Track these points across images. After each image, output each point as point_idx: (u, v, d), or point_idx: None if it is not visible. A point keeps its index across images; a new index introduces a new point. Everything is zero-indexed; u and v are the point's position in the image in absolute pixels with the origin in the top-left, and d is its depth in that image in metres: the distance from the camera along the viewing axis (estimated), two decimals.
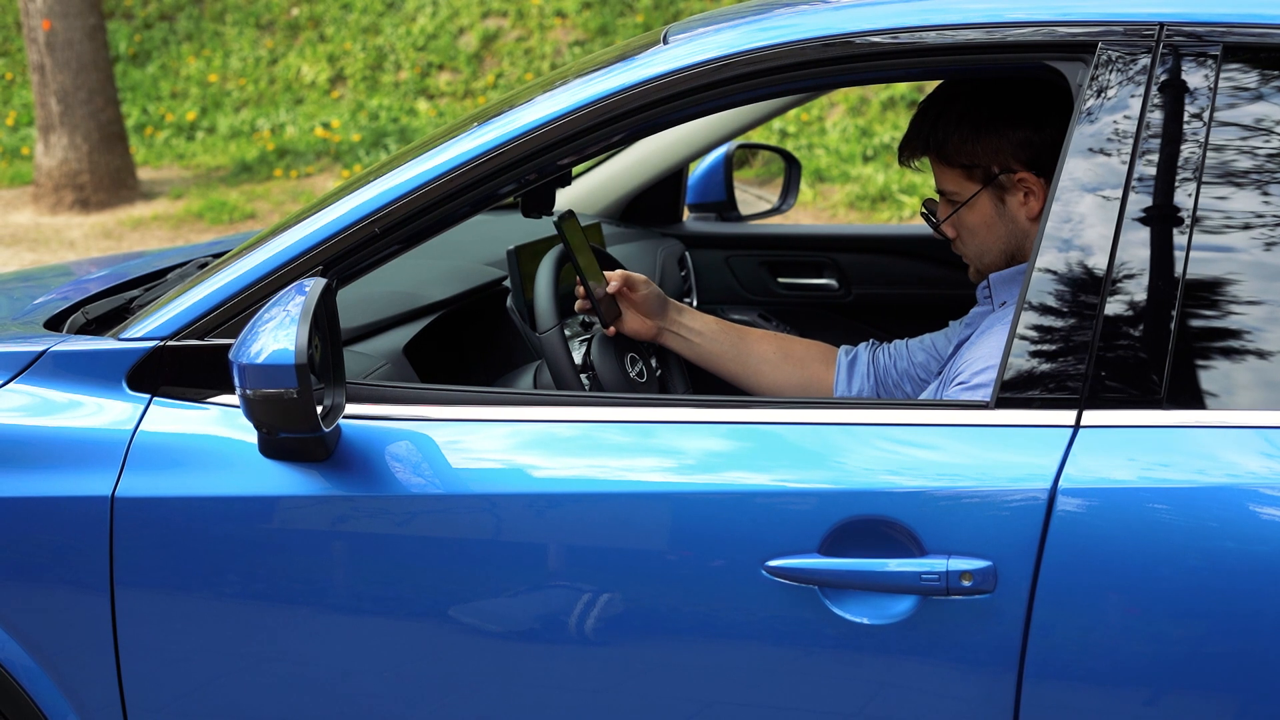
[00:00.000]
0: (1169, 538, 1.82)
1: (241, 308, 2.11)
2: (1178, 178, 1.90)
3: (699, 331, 2.61)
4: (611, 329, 2.54)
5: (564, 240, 2.49)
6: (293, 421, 1.91)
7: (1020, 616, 1.85)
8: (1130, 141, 1.92)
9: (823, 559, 1.89)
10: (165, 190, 10.74)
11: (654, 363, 2.64)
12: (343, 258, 2.10)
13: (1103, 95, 1.95)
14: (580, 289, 2.53)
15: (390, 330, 2.73)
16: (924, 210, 2.46)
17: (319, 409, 1.93)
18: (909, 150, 2.42)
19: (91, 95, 10.39)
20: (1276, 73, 1.92)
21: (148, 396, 2.12)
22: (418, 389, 2.14)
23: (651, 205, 3.92)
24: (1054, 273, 1.92)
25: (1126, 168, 1.92)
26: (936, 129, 2.37)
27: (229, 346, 2.03)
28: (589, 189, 3.88)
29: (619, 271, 2.58)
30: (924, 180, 9.18)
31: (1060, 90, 2.31)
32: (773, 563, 1.90)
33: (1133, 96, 1.93)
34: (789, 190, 4.21)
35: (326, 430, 1.94)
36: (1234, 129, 1.91)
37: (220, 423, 2.09)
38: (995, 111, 2.32)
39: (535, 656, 2.01)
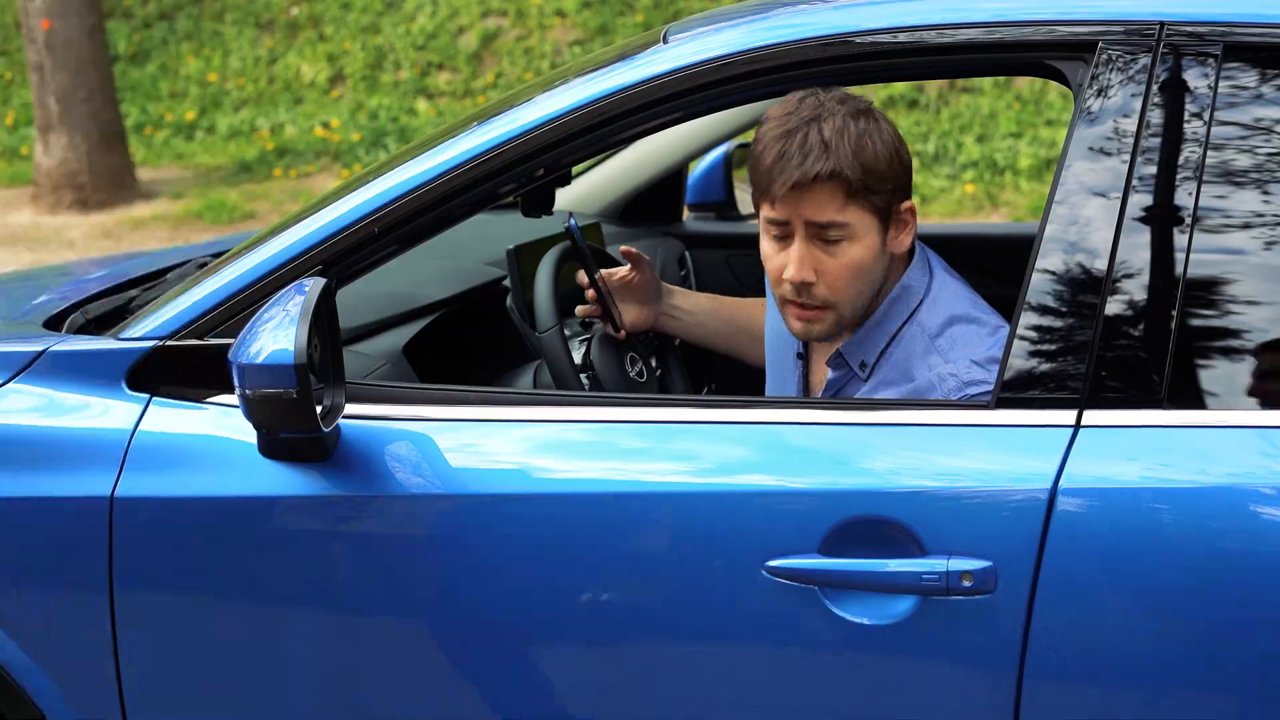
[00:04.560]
0: (1169, 538, 1.82)
1: (241, 308, 2.10)
2: (1178, 177, 1.90)
3: (691, 312, 2.65)
4: (623, 332, 2.55)
5: (578, 248, 2.48)
6: (292, 421, 1.90)
7: (1020, 617, 1.84)
8: (1131, 141, 1.92)
9: (823, 559, 1.89)
10: (165, 190, 10.73)
11: (654, 362, 2.64)
12: (342, 257, 2.10)
13: (1103, 95, 1.94)
14: (591, 292, 2.53)
15: (390, 330, 2.73)
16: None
17: (318, 409, 1.93)
18: (818, 176, 2.11)
19: (91, 95, 10.37)
20: (1277, 72, 1.91)
21: (147, 396, 2.11)
22: (417, 389, 2.14)
23: (651, 205, 3.92)
24: (1054, 273, 1.92)
25: (1127, 167, 1.91)
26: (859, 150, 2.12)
27: (228, 346, 2.03)
28: (589, 189, 3.87)
29: (624, 247, 2.59)
30: (923, 180, 9.18)
31: None
32: (773, 563, 1.90)
33: (1133, 96, 1.93)
34: None
35: (326, 430, 1.94)
36: (1234, 128, 1.90)
37: (219, 423, 2.08)
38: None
39: (534, 656, 2.00)
